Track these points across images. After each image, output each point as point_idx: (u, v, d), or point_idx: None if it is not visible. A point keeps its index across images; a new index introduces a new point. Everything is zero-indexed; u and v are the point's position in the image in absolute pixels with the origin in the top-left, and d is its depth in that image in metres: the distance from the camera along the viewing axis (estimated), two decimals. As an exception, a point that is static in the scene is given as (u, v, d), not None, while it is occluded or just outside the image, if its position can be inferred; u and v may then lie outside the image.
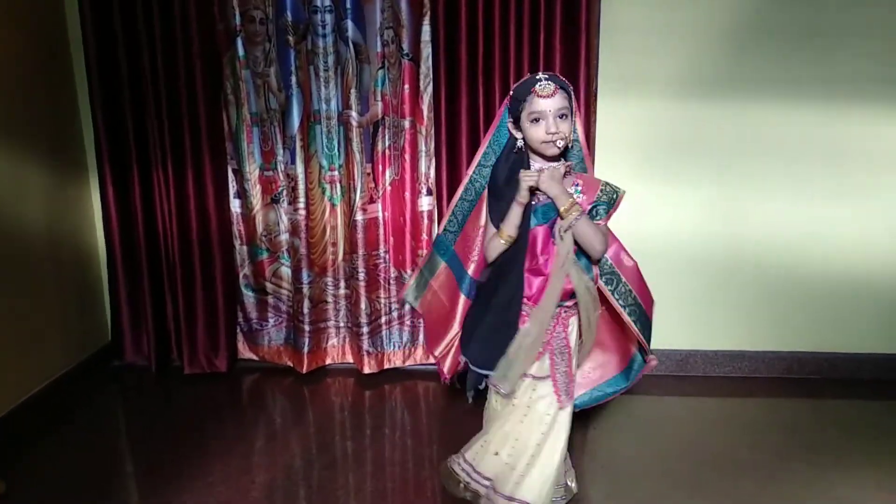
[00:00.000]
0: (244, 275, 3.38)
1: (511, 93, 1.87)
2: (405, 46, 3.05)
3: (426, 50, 3.05)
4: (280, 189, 3.25)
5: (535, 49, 2.91)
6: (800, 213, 3.16)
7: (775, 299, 3.27)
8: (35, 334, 2.94)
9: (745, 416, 3.01)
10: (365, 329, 3.27)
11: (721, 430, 2.86)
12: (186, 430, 2.86)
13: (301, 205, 3.19)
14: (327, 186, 3.23)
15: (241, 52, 3.10)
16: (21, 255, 2.85)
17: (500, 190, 1.89)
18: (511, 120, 1.89)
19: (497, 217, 1.87)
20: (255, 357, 3.44)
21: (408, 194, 3.18)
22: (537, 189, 1.81)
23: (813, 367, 3.31)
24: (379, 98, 3.11)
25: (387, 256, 3.26)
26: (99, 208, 3.27)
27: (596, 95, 3.02)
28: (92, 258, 3.38)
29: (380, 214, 3.22)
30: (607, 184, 1.92)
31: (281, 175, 3.23)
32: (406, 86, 3.08)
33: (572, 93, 1.84)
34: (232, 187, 3.28)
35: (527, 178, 1.79)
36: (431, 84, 3.06)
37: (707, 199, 3.18)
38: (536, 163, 1.86)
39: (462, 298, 2.21)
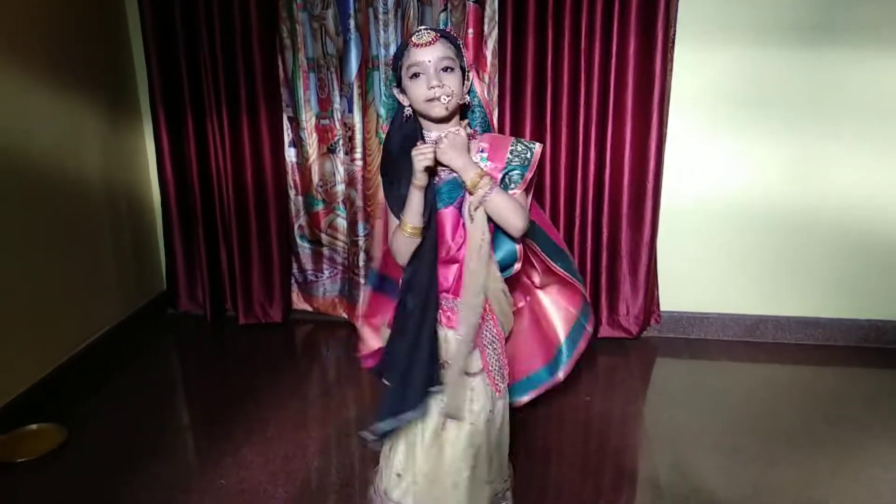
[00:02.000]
0: (299, 225, 3.32)
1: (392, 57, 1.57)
2: (470, -13, 2.87)
3: (492, -10, 2.87)
4: (336, 138, 3.15)
5: (611, -8, 2.72)
6: (883, 170, 2.94)
7: (853, 263, 3.07)
8: (92, 282, 2.94)
9: (820, 386, 2.86)
10: (421, 284, 3.18)
11: (794, 402, 2.72)
12: (242, 381, 2.85)
13: (358, 155, 3.09)
14: (384, 136, 3.11)
15: (297, -7, 2.98)
16: (78, 203, 2.83)
17: (396, 170, 1.56)
18: (395, 84, 1.56)
19: (397, 205, 1.55)
20: (309, 308, 3.41)
21: (468, 146, 3.04)
22: (439, 165, 1.50)
23: (893, 336, 3.12)
24: (440, 43, 2.95)
25: (445, 211, 3.14)
26: (153, 156, 3.23)
27: (674, 42, 2.82)
28: (146, 206, 3.35)
29: (438, 167, 3.10)
30: (518, 141, 1.57)
31: (337, 124, 3.13)
32: (470, 30, 2.91)
33: (461, 45, 1.52)
34: (287, 136, 3.19)
35: (420, 156, 1.45)
36: (497, 28, 2.89)
37: (784, 155, 2.96)
38: (432, 132, 1.53)
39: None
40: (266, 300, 3.30)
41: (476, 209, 1.49)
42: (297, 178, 3.25)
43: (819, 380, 2.92)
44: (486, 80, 2.97)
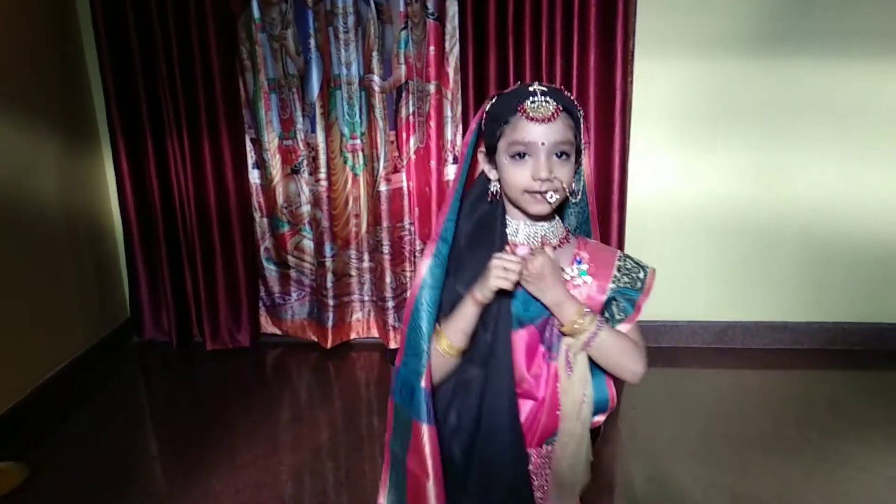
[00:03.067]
0: (265, 248, 3.27)
1: (487, 106, 1.17)
2: (429, 5, 2.87)
3: (452, 8, 2.87)
4: (300, 159, 3.12)
5: (569, 6, 2.73)
6: (845, 175, 2.99)
7: (818, 267, 3.12)
8: (53, 313, 2.86)
9: (789, 390, 2.90)
10: (390, 303, 3.16)
11: (765, 406, 2.75)
12: (211, 408, 2.80)
13: (322, 175, 3.06)
14: (349, 156, 3.09)
15: (256, 13, 2.95)
16: (36, 231, 2.76)
17: (459, 260, 1.18)
18: (483, 149, 1.19)
19: (446, 305, 1.18)
20: (278, 331, 3.36)
21: (434, 163, 3.03)
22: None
23: (858, 338, 3.17)
24: (402, 61, 2.95)
25: (412, 228, 3.13)
26: (113, 181, 3.16)
27: (633, 54, 2.85)
28: (108, 232, 3.28)
29: (404, 185, 3.08)
30: (626, 257, 1.23)
31: (301, 144, 3.10)
32: (431, 47, 2.91)
33: (582, 118, 1.15)
34: (250, 157, 3.15)
35: (500, 273, 1.09)
36: (458, 45, 2.89)
37: (747, 163, 3.01)
38: (520, 228, 1.19)
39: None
40: (233, 325, 3.24)
41: (578, 352, 1.15)
42: (262, 199, 3.20)
43: (788, 383, 2.96)
44: (449, 96, 2.98)
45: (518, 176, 1.12)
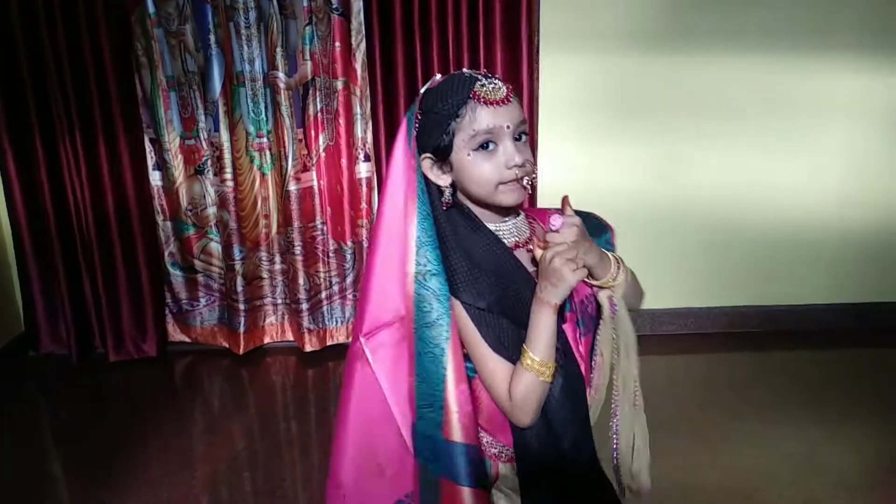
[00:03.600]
0: (170, 252, 3.15)
1: (419, 107, 1.09)
2: (334, 0, 2.82)
3: (357, 3, 2.83)
4: (204, 159, 3.01)
5: (475, 4, 2.74)
6: (740, 166, 3.13)
7: (717, 254, 3.27)
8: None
9: (694, 373, 3.03)
10: (304, 305, 3.10)
11: (671, 391, 2.85)
12: (117, 423, 2.68)
13: (228, 175, 2.96)
14: (256, 154, 3.01)
15: (151, 8, 2.82)
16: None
17: (482, 286, 1.07)
18: (428, 155, 1.09)
19: (501, 335, 1.08)
20: (187, 339, 3.24)
21: (344, 161, 2.99)
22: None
23: (756, 321, 3.34)
24: (308, 57, 2.88)
25: (324, 228, 3.08)
26: (0, 186, 2.96)
27: (538, 51, 2.89)
28: (-4, 241, 3.08)
29: (315, 183, 3.02)
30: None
31: (204, 143, 2.99)
32: (337, 43, 2.86)
33: None
34: (150, 158, 3.02)
35: (570, 266, 1.01)
36: (364, 40, 2.85)
37: (648, 155, 3.10)
38: (492, 226, 1.12)
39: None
40: (138, 334, 3.10)
41: (620, 300, 1.12)
42: (164, 202, 3.08)
43: (692, 367, 3.09)
44: (358, 93, 2.94)
45: (489, 168, 1.05)
